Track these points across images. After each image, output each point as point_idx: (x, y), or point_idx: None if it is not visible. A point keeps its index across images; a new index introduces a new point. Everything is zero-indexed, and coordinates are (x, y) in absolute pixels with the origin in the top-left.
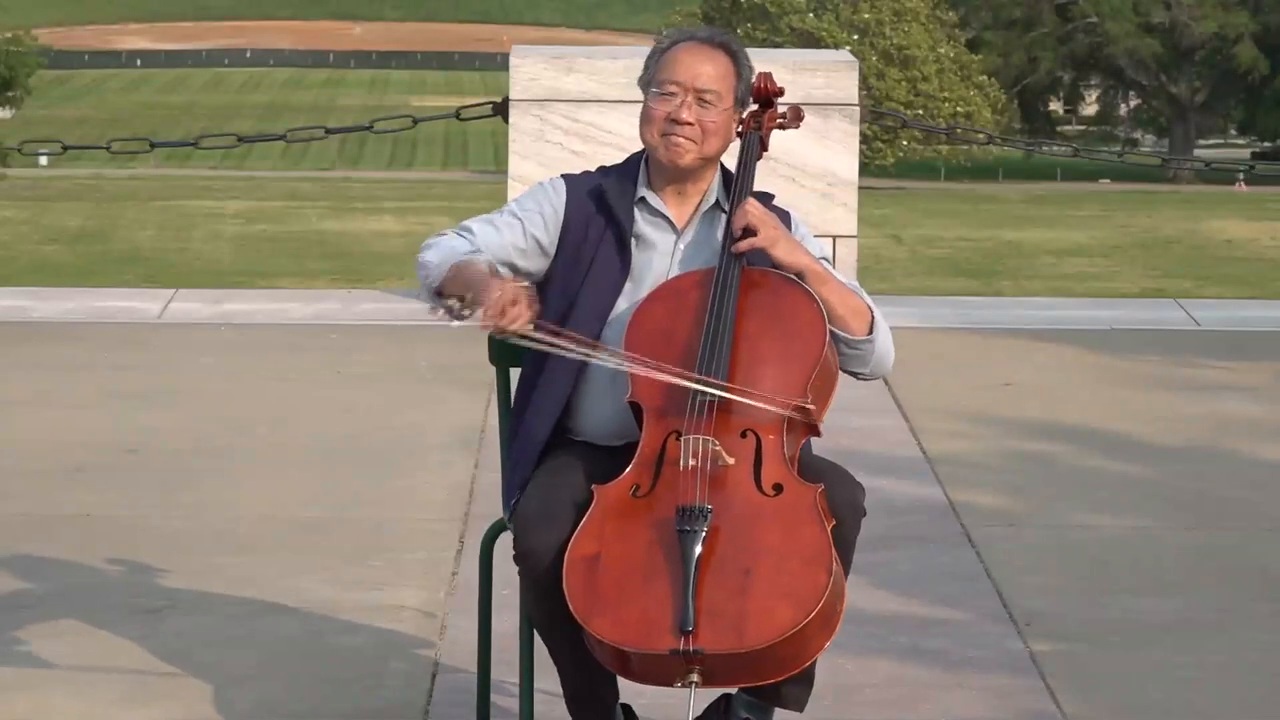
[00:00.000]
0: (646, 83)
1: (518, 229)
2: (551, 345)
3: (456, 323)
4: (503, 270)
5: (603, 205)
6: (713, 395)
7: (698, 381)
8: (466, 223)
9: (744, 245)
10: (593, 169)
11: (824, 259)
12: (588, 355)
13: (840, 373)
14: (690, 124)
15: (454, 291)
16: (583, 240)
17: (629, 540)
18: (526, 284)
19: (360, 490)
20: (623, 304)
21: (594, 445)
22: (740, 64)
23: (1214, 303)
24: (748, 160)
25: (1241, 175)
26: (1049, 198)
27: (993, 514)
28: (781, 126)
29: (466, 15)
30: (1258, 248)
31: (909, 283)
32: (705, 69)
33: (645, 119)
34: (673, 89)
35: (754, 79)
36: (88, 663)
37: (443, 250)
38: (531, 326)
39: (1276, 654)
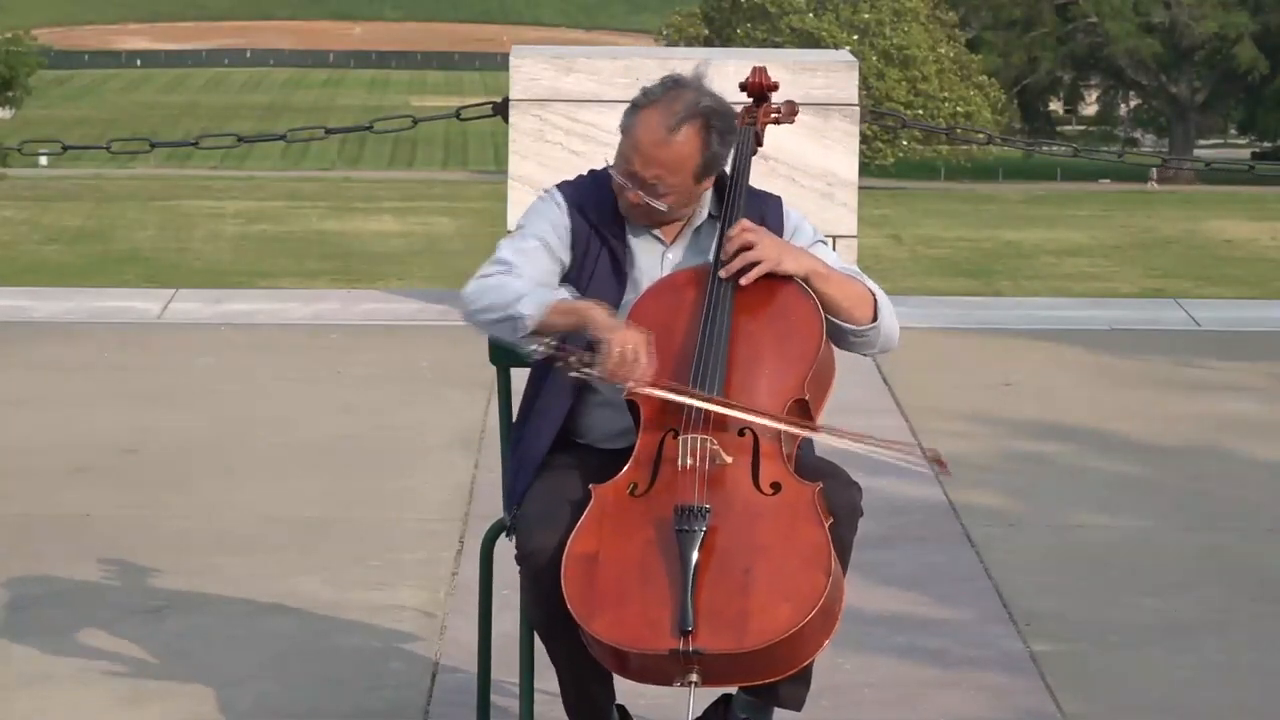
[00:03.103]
0: (620, 130)
1: (544, 253)
2: (671, 394)
3: (574, 373)
4: None
5: (592, 220)
6: (777, 427)
7: (779, 419)
8: (503, 256)
9: (753, 276)
10: (585, 172)
11: (820, 241)
12: (697, 404)
13: (836, 371)
14: (639, 206)
15: (561, 328)
16: (584, 254)
17: (627, 539)
18: (647, 333)
19: (360, 490)
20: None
21: (596, 448)
22: (710, 132)
23: (1214, 303)
24: (743, 156)
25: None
26: (1049, 198)
27: (993, 514)
28: (776, 121)
29: (466, 15)
30: (1258, 248)
31: (909, 283)
32: (658, 157)
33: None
34: (626, 172)
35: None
36: (88, 663)
37: (514, 291)
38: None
39: (1276, 654)
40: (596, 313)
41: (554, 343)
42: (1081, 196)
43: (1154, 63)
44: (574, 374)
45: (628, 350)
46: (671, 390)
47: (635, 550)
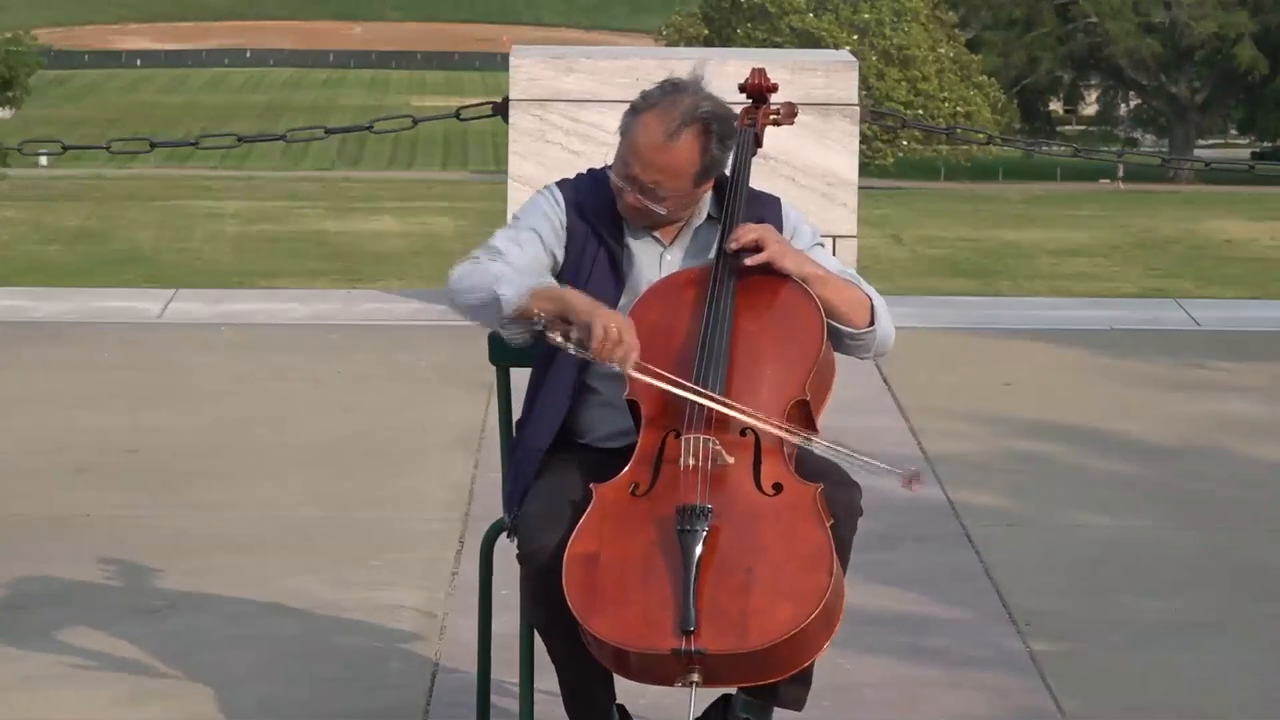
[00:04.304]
0: (619, 132)
1: (538, 244)
2: (656, 381)
3: (571, 350)
4: None
5: (591, 220)
6: (774, 431)
7: (768, 423)
8: (494, 243)
9: (754, 261)
10: (584, 171)
11: (819, 244)
12: (689, 395)
13: (836, 372)
14: (638, 209)
15: (543, 311)
16: (581, 253)
17: (628, 539)
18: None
19: (360, 490)
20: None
21: (596, 448)
22: (710, 137)
23: (1214, 303)
24: (742, 157)
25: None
26: (1049, 198)
27: (993, 514)
28: (775, 123)
29: (466, 15)
30: (1258, 248)
31: (909, 283)
32: (657, 162)
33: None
34: (625, 176)
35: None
36: (88, 663)
37: (495, 274)
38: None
39: (1276, 654)
40: (576, 297)
41: (542, 319)
42: (1081, 196)
43: (1154, 63)
44: (571, 349)
45: (612, 330)
46: (664, 378)
47: (636, 550)
